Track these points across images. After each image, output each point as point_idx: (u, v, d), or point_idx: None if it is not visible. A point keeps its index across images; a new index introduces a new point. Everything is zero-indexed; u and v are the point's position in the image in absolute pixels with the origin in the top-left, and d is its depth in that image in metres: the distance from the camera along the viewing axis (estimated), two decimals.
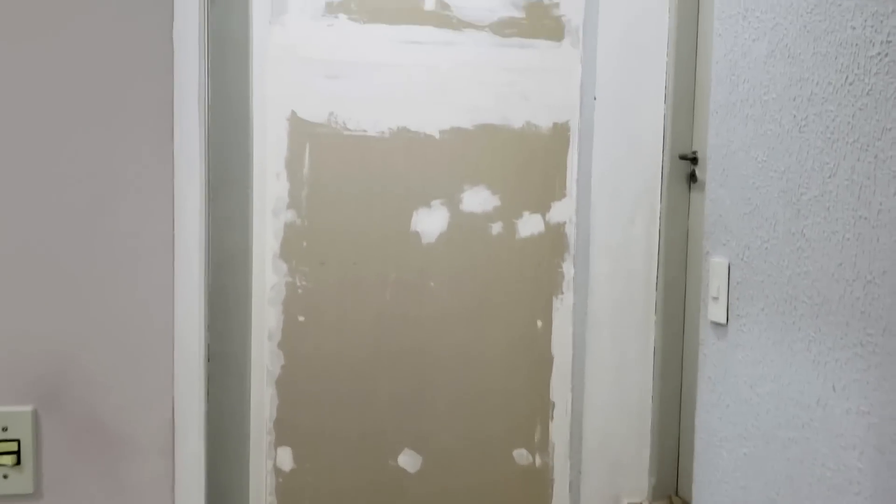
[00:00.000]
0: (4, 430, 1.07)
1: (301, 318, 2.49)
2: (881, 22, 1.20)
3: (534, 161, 2.57)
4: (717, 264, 1.68)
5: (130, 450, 1.11)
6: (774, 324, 1.49)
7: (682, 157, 2.48)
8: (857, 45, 1.26)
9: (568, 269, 2.61)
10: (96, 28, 1.07)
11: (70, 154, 1.07)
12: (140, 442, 1.11)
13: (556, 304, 2.62)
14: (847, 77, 1.28)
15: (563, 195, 2.59)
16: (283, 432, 2.51)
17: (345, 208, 2.48)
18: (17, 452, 1.08)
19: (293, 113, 2.45)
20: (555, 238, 2.59)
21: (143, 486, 1.12)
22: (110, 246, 1.08)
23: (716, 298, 1.69)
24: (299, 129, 2.45)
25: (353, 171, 2.48)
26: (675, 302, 2.58)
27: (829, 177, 1.33)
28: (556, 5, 2.54)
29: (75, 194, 1.06)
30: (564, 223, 2.60)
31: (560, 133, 2.57)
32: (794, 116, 1.42)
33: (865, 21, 1.23)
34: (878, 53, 1.21)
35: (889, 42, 1.19)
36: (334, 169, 2.47)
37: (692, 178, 2.48)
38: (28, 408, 1.08)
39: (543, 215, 2.59)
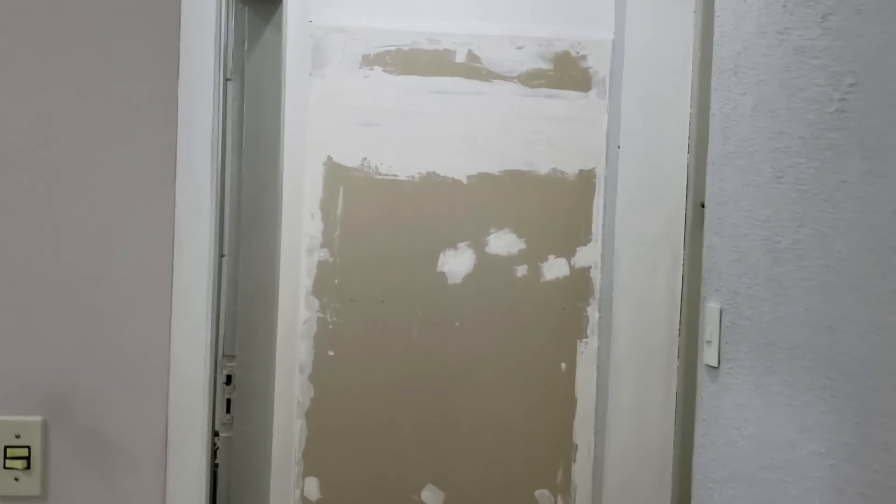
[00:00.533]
0: (17, 437, 1.20)
1: (331, 353, 2.61)
2: (838, 80, 1.27)
3: (559, 206, 2.64)
4: (710, 309, 1.74)
5: (126, 462, 1.23)
6: (756, 367, 1.53)
7: (704, 205, 2.53)
8: (820, 101, 1.32)
9: (592, 313, 2.66)
10: (97, 77, 1.20)
11: (82, 203, 1.21)
12: (134, 455, 1.23)
13: (580, 347, 2.68)
14: (813, 131, 1.34)
15: (589, 240, 2.66)
16: (311, 463, 2.62)
17: (375, 248, 2.60)
18: (28, 458, 1.21)
19: (329, 157, 2.59)
20: (580, 282, 2.66)
21: (137, 495, 1.24)
22: (113, 284, 1.22)
23: (709, 342, 1.74)
24: (334, 172, 2.59)
25: (384, 213, 2.60)
26: (696, 347, 2.61)
27: (799, 226, 1.38)
28: (584, 58, 2.64)
29: (84, 235, 1.21)
30: (590, 268, 2.66)
31: (586, 180, 2.65)
32: (773, 168, 1.48)
33: (827, 80, 1.30)
34: (836, 110, 1.27)
35: (844, 100, 1.25)
36: (366, 210, 2.60)
37: None
38: (38, 418, 1.21)
39: (569, 259, 2.65)
